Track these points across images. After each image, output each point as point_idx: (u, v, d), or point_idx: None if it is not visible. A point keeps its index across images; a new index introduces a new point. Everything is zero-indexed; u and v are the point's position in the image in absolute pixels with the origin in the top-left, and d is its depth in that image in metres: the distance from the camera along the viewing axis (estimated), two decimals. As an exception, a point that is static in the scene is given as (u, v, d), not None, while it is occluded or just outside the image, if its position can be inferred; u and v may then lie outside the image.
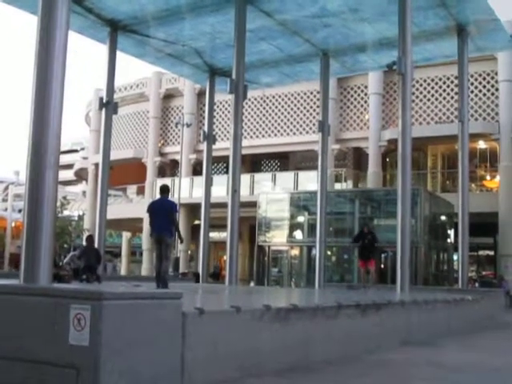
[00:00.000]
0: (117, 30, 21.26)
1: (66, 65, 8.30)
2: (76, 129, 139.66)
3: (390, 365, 8.77)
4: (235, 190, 18.81)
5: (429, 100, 35.88)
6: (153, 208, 12.72)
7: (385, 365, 8.75)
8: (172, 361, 6.09)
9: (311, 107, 39.03)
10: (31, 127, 8.12)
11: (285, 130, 40.28)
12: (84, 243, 20.09)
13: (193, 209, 38.35)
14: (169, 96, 45.80)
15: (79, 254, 18.18)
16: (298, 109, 39.88)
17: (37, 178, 7.99)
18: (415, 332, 11.74)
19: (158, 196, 13.56)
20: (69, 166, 64.41)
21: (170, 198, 13.31)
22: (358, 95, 38.37)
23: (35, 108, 8.14)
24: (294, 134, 39.80)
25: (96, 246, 19.36)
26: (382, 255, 29.82)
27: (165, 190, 12.94)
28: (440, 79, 35.54)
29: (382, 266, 30.04)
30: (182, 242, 15.20)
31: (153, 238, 12.96)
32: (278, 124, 40.54)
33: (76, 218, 57.88)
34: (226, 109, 39.98)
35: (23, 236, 7.99)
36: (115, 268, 49.08)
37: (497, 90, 33.87)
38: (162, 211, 12.46)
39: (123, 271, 47.89)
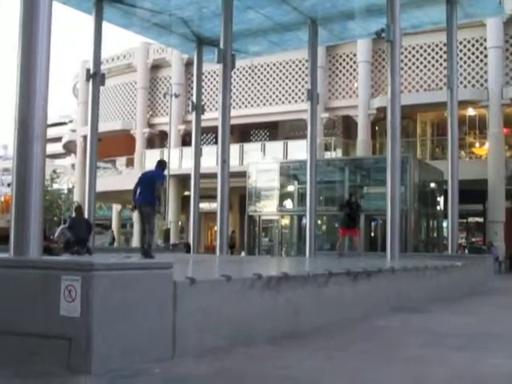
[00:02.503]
0: (102, 0, 21.00)
1: (51, 36, 8.19)
2: (64, 101, 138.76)
3: (381, 331, 8.84)
4: (224, 161, 18.80)
5: (418, 67, 35.76)
6: (140, 179, 12.68)
7: (376, 331, 8.82)
8: (163, 330, 6.12)
9: (300, 76, 38.81)
10: (17, 100, 8.04)
11: (273, 100, 40.11)
12: (73, 214, 19.74)
13: (182, 180, 38.30)
14: (156, 66, 45.44)
15: (68, 226, 18.02)
16: (287, 78, 39.67)
17: (24, 151, 7.93)
18: (406, 298, 11.83)
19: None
20: (57, 139, 64.02)
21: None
22: (347, 63, 38.20)
23: (21, 81, 8.06)
24: (283, 103, 39.65)
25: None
26: (372, 223, 29.95)
27: (158, 163, 12.93)
28: (429, 46, 35.40)
29: (372, 233, 30.18)
30: (159, 213, 14.90)
31: (136, 209, 12.77)
32: (267, 93, 40.37)
33: (65, 191, 57.70)
34: (214, 79, 39.73)
35: (12, 209, 7.95)
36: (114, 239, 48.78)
37: (486, 56, 33.78)
38: (146, 182, 12.42)
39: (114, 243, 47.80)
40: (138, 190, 12.54)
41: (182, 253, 25.16)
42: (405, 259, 16.41)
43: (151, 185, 12.33)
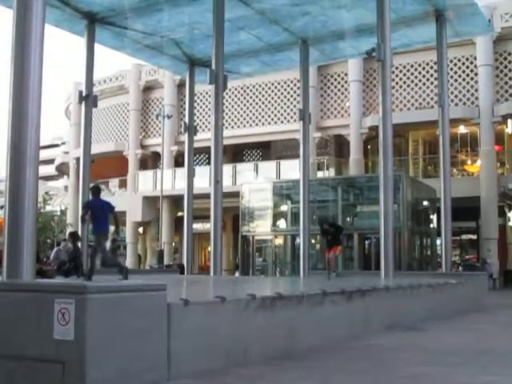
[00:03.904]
0: (94, 23, 21.09)
1: (43, 58, 8.22)
2: (56, 123, 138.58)
3: (376, 350, 8.81)
4: (218, 181, 18.78)
5: (409, 86, 35.94)
6: (96, 207, 13.44)
7: (371, 350, 8.79)
8: (158, 352, 6.08)
9: (292, 96, 38.95)
10: (10, 123, 8.05)
11: (266, 120, 40.19)
12: (69, 243, 19.17)
13: (176, 201, 38.25)
14: (149, 88, 45.53)
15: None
16: (279, 98, 39.80)
17: (17, 173, 7.93)
18: (400, 317, 11.80)
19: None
20: (50, 161, 63.91)
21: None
22: (339, 83, 38.36)
23: (13, 103, 8.07)
24: (276, 123, 39.72)
25: (79, 240, 19.20)
26: (366, 241, 29.92)
27: (99, 191, 14.04)
28: (419, 65, 35.60)
29: (366, 252, 30.14)
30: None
31: (101, 233, 13.54)
32: (259, 113, 40.46)
33: (58, 213, 57.49)
34: (206, 99, 39.80)
35: (5, 232, 7.92)
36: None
37: (476, 74, 33.99)
38: (105, 211, 13.36)
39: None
40: (102, 219, 13.41)
41: (176, 274, 25.09)
42: (399, 277, 16.39)
43: (108, 214, 13.48)
